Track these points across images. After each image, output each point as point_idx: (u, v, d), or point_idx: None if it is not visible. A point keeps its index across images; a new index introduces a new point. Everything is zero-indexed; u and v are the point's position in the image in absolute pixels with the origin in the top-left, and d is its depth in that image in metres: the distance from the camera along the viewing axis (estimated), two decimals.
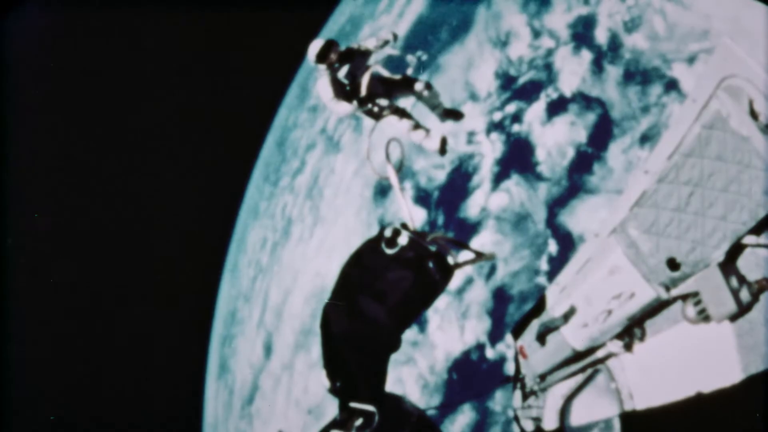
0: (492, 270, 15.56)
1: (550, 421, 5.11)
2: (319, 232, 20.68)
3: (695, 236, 3.68)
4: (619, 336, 4.38)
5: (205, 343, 27.45)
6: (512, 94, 16.76)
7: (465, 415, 15.68)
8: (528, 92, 16.45)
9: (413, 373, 16.83)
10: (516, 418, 5.39)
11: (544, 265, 14.71)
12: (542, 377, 5.11)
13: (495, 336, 15.20)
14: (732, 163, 3.46)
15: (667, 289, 3.90)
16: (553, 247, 14.68)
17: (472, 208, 16.39)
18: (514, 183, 15.84)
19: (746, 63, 3.27)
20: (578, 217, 14.55)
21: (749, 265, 3.68)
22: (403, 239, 2.03)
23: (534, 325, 4.87)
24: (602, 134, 14.79)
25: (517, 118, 16.42)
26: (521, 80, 16.72)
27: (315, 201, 21.33)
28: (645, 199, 3.87)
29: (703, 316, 3.76)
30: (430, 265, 2.07)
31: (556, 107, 15.76)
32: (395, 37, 4.57)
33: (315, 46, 4.28)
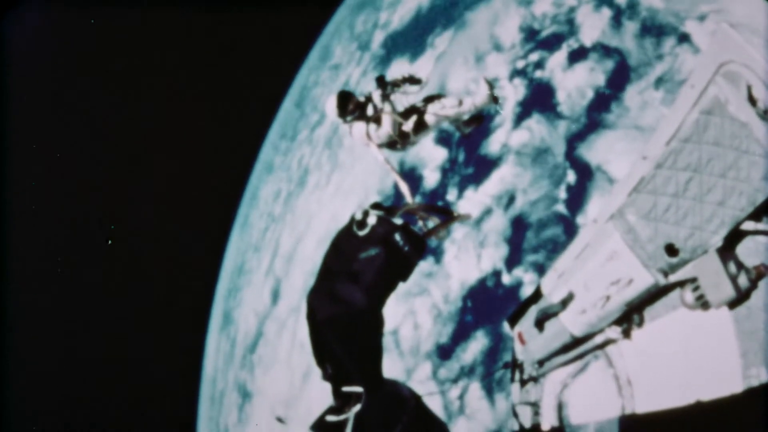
0: (510, 200, 16.28)
1: (548, 408, 5.13)
2: (337, 178, 21.19)
3: (693, 222, 3.67)
4: (617, 322, 4.38)
5: (209, 298, 27.44)
6: (535, 45, 17.83)
7: (478, 342, 16.10)
8: (550, 43, 17.54)
9: (426, 303, 17.23)
10: (515, 414, 5.36)
11: (562, 193, 15.50)
12: (541, 363, 5.13)
13: (512, 262, 15.81)
14: (730, 149, 3.45)
15: (666, 274, 3.90)
16: (571, 177, 15.50)
17: (493, 144, 17.20)
18: (535, 121, 16.73)
19: (745, 48, 3.28)
20: (596, 150, 15.43)
21: (748, 251, 3.69)
22: (372, 219, 2.07)
23: (532, 312, 4.88)
24: (619, 78, 15.86)
25: (539, 65, 17.45)
26: (544, 33, 17.83)
27: (334, 149, 21.92)
28: (643, 184, 3.88)
29: (702, 302, 3.76)
30: (397, 237, 2.11)
31: (577, 55, 16.84)
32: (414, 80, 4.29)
33: (331, 104, 4.13)
